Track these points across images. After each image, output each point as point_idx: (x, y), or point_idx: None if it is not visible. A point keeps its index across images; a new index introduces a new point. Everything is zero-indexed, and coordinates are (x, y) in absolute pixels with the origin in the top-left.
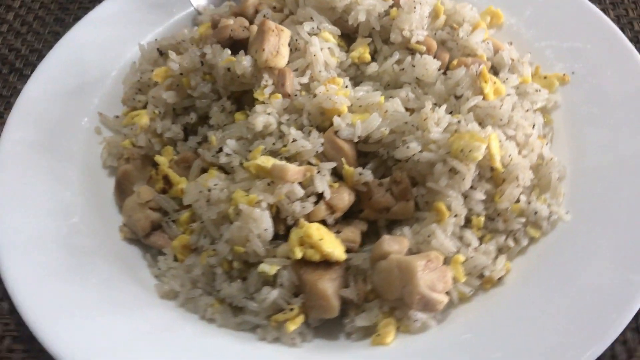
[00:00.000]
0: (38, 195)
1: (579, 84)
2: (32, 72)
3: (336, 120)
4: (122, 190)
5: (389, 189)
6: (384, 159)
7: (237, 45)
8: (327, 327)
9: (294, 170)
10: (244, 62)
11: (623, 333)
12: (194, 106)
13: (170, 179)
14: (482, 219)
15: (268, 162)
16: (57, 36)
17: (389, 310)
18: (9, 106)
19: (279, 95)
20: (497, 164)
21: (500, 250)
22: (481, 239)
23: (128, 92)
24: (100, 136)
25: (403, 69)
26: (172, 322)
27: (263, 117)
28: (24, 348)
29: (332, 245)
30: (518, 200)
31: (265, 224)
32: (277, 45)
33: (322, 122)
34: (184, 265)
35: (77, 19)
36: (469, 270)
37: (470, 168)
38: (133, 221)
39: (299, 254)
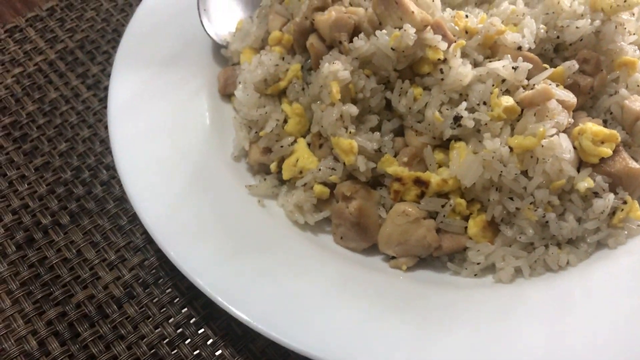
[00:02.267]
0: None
1: None
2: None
3: (511, 37)
4: (365, 229)
5: (581, 71)
6: (545, 54)
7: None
8: None
9: (548, 88)
10: (410, 32)
11: None
12: (366, 108)
13: (422, 180)
14: None
15: (509, 101)
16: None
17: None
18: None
19: (463, 42)
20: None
21: None
22: None
23: (257, 146)
24: (266, 208)
25: None
26: (555, 295)
27: (465, 69)
28: None
29: (608, 131)
30: None
31: (566, 144)
32: (413, 4)
33: (485, 53)
34: (502, 240)
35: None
36: None
37: (629, 18)
38: (414, 243)
39: (608, 151)
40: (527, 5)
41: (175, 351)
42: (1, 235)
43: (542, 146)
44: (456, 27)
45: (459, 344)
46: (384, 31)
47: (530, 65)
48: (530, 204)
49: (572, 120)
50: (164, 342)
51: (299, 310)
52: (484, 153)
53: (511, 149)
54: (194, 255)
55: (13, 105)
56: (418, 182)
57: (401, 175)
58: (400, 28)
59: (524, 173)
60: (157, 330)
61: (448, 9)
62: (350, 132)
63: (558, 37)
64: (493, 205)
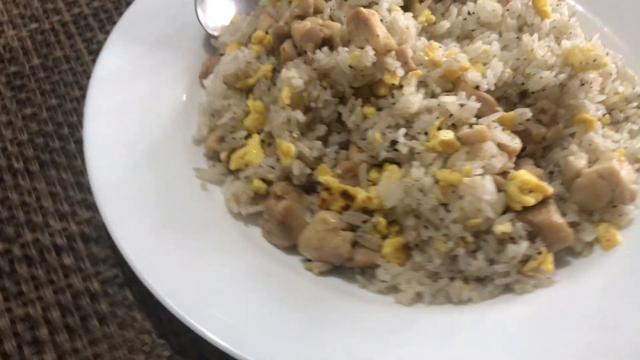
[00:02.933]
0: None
1: None
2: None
3: (471, 75)
4: (289, 229)
5: (538, 120)
6: (509, 98)
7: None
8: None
9: (486, 130)
10: (369, 53)
11: None
12: (316, 118)
13: (349, 193)
14: (607, 116)
15: (448, 135)
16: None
17: (599, 218)
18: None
19: (419, 72)
20: (602, 63)
21: (630, 135)
22: (617, 132)
23: (212, 136)
24: (207, 192)
25: (465, 19)
26: (443, 324)
27: (413, 97)
28: None
29: (542, 183)
30: (617, 92)
31: (489, 187)
32: (382, 27)
33: (445, 86)
34: (411, 265)
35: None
36: (629, 158)
37: (596, 76)
38: (329, 250)
39: (531, 200)
40: (505, 47)
41: (94, 304)
42: None
43: (465, 183)
44: (425, 57)
45: (334, 346)
46: (345, 48)
47: (477, 105)
48: (444, 235)
49: (513, 165)
50: (87, 294)
51: (206, 291)
52: (407, 179)
53: (437, 180)
54: (126, 222)
55: (21, 56)
56: (345, 195)
57: (330, 186)
58: (363, 48)
59: (446, 205)
60: (84, 283)
61: (423, 39)
62: (293, 137)
63: (523, 84)
64: (409, 230)
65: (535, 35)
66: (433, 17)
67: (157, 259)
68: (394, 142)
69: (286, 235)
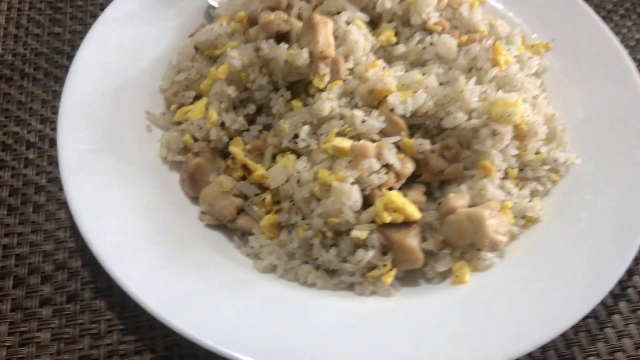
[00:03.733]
0: (116, 197)
1: (559, 50)
2: (44, 75)
3: (390, 99)
4: (196, 182)
5: (441, 154)
6: (428, 129)
7: (280, 38)
8: (407, 276)
9: (372, 147)
10: (304, 54)
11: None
12: (251, 98)
13: (248, 167)
14: (516, 170)
15: (343, 142)
16: (58, 36)
17: (459, 255)
18: (33, 112)
19: (341, 82)
20: (525, 125)
21: (531, 194)
22: (518, 188)
23: (171, 89)
24: (153, 134)
25: (425, 48)
26: (279, 293)
27: (328, 103)
28: (135, 338)
29: (411, 208)
30: (539, 152)
31: (355, 196)
32: (327, 36)
33: (370, 102)
34: (277, 242)
35: (72, 17)
36: (515, 213)
37: (508, 129)
38: (217, 209)
39: (387, 218)
40: (447, 83)
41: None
42: None
43: (334, 186)
44: (366, 72)
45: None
46: (285, 45)
47: (377, 124)
48: (307, 224)
49: (398, 185)
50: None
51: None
52: (290, 168)
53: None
54: (85, 194)
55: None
56: (245, 167)
57: (235, 156)
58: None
59: (319, 201)
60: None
61: (371, 55)
62: (220, 107)
63: (441, 119)
64: (284, 212)
65: (473, 80)
66: (394, 39)
67: (112, 242)
68: (296, 136)
69: (193, 187)
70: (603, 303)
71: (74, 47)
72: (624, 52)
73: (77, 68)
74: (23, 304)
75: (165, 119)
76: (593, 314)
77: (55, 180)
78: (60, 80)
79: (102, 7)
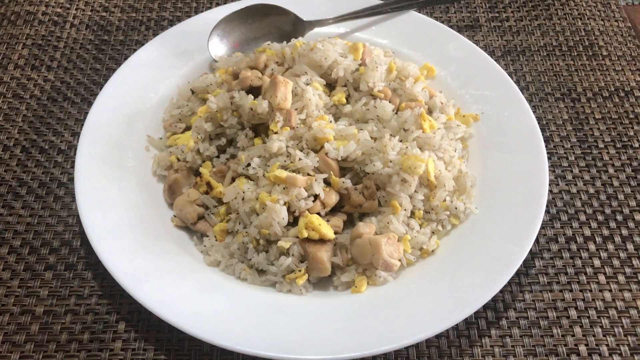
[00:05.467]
0: (112, 196)
1: (486, 121)
2: (81, 100)
3: (327, 145)
4: (173, 192)
5: (361, 192)
6: (357, 172)
7: (254, 90)
8: (321, 283)
9: (301, 179)
10: (264, 104)
11: (509, 284)
12: (223, 133)
13: (211, 184)
14: (422, 212)
15: (282, 174)
16: (97, 71)
17: (362, 271)
18: (67, 127)
19: (288, 128)
20: (432, 178)
21: (432, 233)
22: (420, 225)
23: (169, 120)
24: (149, 153)
25: (368, 110)
26: (218, 281)
27: (277, 143)
28: (107, 302)
29: (326, 229)
30: (444, 200)
31: (283, 214)
32: (285, 92)
33: (314, 146)
34: (223, 243)
35: (110, 57)
36: (413, 245)
37: (415, 179)
38: (184, 213)
39: (305, 234)
40: (378, 139)
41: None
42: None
43: (268, 205)
44: (314, 122)
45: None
46: (251, 96)
47: (310, 163)
48: (246, 232)
49: (325, 211)
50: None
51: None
52: (237, 188)
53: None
54: (89, 191)
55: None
56: (208, 184)
57: (203, 175)
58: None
59: (258, 215)
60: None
61: (322, 110)
62: (198, 137)
63: (366, 165)
64: (231, 221)
65: (396, 138)
66: (344, 100)
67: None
68: (248, 164)
69: (170, 195)
70: (467, 320)
71: (107, 80)
72: (537, 128)
73: (102, 98)
74: (32, 267)
75: (162, 142)
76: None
77: (73, 180)
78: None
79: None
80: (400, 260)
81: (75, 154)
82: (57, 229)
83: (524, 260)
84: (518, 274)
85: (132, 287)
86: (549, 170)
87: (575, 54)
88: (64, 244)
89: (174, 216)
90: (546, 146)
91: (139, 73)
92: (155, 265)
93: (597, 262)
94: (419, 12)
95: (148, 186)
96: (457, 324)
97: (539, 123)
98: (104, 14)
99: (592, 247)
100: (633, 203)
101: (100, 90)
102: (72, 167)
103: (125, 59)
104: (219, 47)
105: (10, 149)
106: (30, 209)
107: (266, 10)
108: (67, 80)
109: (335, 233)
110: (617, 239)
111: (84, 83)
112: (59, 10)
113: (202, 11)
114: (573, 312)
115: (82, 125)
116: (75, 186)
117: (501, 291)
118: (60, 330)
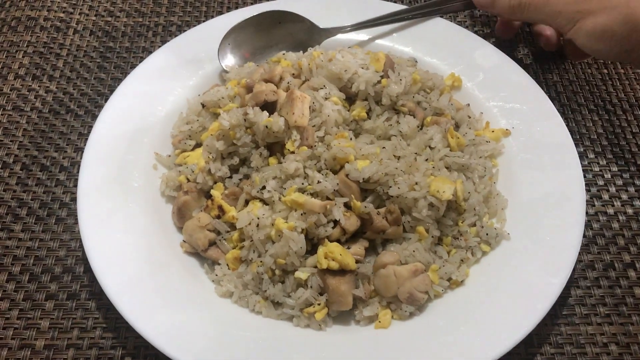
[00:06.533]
0: (117, 219)
1: (517, 136)
2: (84, 112)
3: (347, 166)
4: (182, 215)
5: (385, 217)
6: (379, 194)
7: (268, 105)
8: (341, 317)
9: (320, 204)
10: (280, 122)
11: (544, 317)
12: (236, 152)
13: (223, 208)
14: (450, 238)
15: (300, 198)
16: (102, 81)
17: (386, 304)
18: (70, 142)
19: (305, 148)
20: (461, 201)
21: (462, 261)
22: (449, 253)
23: (178, 136)
24: (157, 172)
25: (391, 125)
26: (231, 315)
27: (294, 164)
28: (112, 336)
29: (347, 258)
30: (474, 225)
31: (300, 243)
32: (302, 109)
33: (334, 166)
34: (236, 273)
35: (116, 66)
36: (441, 275)
37: (443, 203)
38: (194, 239)
39: (324, 264)
40: (402, 157)
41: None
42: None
43: (284, 232)
44: (334, 140)
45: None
46: (266, 113)
47: (330, 185)
48: (261, 261)
49: (345, 237)
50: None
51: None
52: (251, 214)
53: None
54: (93, 213)
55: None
56: (220, 208)
57: (214, 198)
58: (282, 117)
59: (273, 243)
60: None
61: (341, 127)
62: (209, 157)
63: (390, 187)
64: (245, 248)
65: (423, 157)
66: (365, 115)
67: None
68: (263, 187)
69: (179, 219)
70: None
71: (113, 91)
72: (571, 144)
73: (107, 111)
74: (32, 296)
75: (170, 160)
76: None
77: (76, 200)
78: (96, 118)
79: (142, 60)
80: (427, 292)
81: (78, 172)
82: (58, 253)
83: None
84: (554, 304)
85: (138, 322)
86: (585, 189)
87: (610, 62)
88: (66, 270)
89: (184, 241)
90: (580, 162)
91: (146, 84)
92: (163, 297)
93: (638, 292)
94: (442, 18)
95: (156, 208)
96: None
97: (571, 137)
98: (109, 19)
99: (632, 274)
100: None
101: (105, 102)
102: (75, 185)
103: (132, 67)
104: (229, 57)
105: (9, 166)
106: (31, 232)
107: (280, 17)
108: (70, 91)
109: (357, 262)
110: None
111: (87, 94)
112: (61, 15)
113: (212, 16)
114: (614, 348)
115: (86, 140)
116: (77, 209)
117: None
118: None
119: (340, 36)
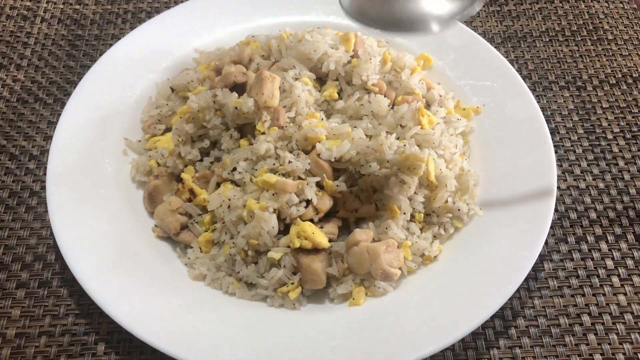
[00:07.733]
0: (87, 205)
1: (488, 114)
2: (54, 101)
3: (318, 146)
4: (153, 200)
5: (357, 195)
6: (352, 174)
7: (238, 87)
8: (315, 295)
9: (292, 184)
10: (249, 103)
11: (517, 291)
12: (206, 135)
13: (194, 191)
14: (422, 215)
15: (271, 178)
16: (71, 69)
17: (359, 282)
18: (39, 130)
19: (276, 128)
20: (432, 178)
21: (434, 237)
22: (421, 229)
23: (148, 121)
24: (127, 157)
25: (362, 105)
26: (204, 297)
27: (265, 144)
28: (85, 322)
29: (320, 237)
30: (446, 201)
31: (272, 223)
32: (272, 89)
33: (305, 146)
34: (209, 255)
35: (85, 54)
36: (414, 252)
37: (414, 180)
38: (165, 223)
39: (297, 243)
40: (374, 137)
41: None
42: None
43: (256, 213)
44: (305, 121)
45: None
46: (235, 94)
47: (301, 165)
48: (233, 243)
49: (318, 217)
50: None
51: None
52: (222, 196)
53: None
54: (62, 200)
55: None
56: (191, 191)
57: (185, 181)
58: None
59: (246, 224)
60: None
61: (312, 107)
62: (178, 140)
63: (362, 166)
64: (217, 231)
65: (393, 135)
66: (336, 95)
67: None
68: (234, 169)
69: (150, 203)
70: (473, 332)
71: (81, 79)
72: (542, 120)
73: (75, 98)
74: (3, 285)
75: (140, 145)
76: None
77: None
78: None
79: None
80: (400, 268)
81: (47, 160)
82: (29, 242)
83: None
84: (526, 278)
85: (110, 307)
86: (556, 164)
87: (579, 38)
88: (37, 258)
89: (155, 226)
90: (552, 139)
91: (115, 70)
92: (135, 282)
93: (610, 263)
94: None
95: (126, 193)
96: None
97: (543, 114)
98: (77, 6)
99: (604, 246)
100: None
101: (74, 89)
102: (45, 174)
103: (101, 54)
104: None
105: None
106: (0, 221)
107: None
108: (38, 80)
109: (330, 241)
110: (630, 237)
111: (56, 82)
112: (28, 3)
113: (182, 1)
114: (586, 318)
115: (55, 128)
116: (47, 196)
117: (509, 298)
118: (34, 355)
119: (310, 17)
